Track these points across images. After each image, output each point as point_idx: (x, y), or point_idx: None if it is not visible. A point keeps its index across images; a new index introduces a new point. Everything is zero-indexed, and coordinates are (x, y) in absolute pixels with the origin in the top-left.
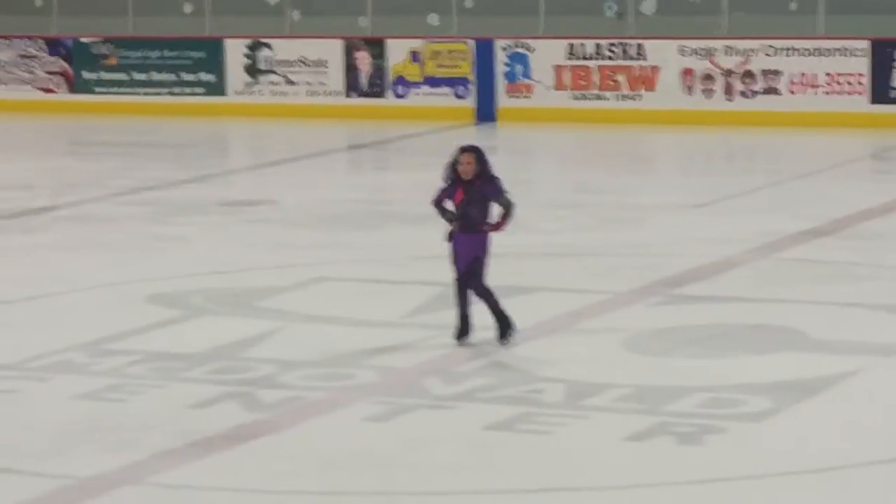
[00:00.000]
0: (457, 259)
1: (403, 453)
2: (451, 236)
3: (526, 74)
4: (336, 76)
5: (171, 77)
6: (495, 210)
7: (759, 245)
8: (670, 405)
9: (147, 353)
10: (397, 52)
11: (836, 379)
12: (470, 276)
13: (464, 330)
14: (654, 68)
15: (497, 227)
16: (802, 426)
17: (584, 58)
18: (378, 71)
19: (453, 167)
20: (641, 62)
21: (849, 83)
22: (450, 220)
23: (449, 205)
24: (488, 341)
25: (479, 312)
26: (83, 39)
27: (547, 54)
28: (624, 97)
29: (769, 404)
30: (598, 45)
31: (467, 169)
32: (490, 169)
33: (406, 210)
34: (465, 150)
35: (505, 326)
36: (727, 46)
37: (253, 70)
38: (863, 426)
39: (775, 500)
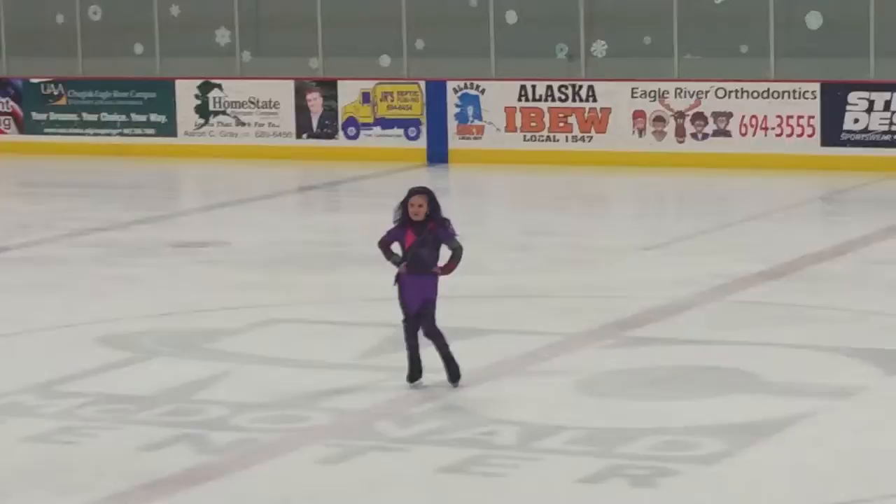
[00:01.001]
0: (406, 301)
1: (357, 496)
2: (399, 278)
3: (477, 116)
4: (287, 117)
5: (121, 118)
6: (444, 253)
7: (711, 287)
8: (623, 447)
9: (98, 395)
10: (349, 93)
11: (789, 421)
12: (422, 319)
13: (416, 372)
14: (606, 110)
15: (446, 269)
16: (755, 469)
17: (536, 99)
18: (329, 112)
19: (404, 209)
20: (592, 104)
21: (799, 125)
22: (395, 263)
23: (395, 247)
24: (440, 384)
25: (430, 354)
26: (33, 80)
27: (498, 96)
28: (575, 139)
29: (722, 446)
30: (549, 87)
31: (419, 211)
32: (441, 211)
33: (358, 252)
34: (417, 191)
35: (454, 370)
36: (678, 88)
37: (204, 111)
38: (814, 469)
39: None
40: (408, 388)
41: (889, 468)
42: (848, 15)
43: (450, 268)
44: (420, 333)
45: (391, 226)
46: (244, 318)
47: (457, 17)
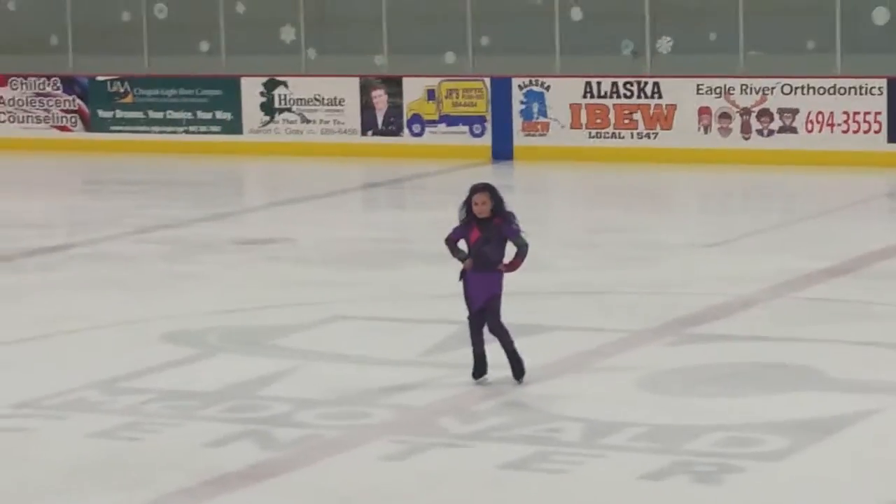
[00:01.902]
0: (471, 298)
1: (419, 492)
2: (463, 275)
3: (542, 112)
4: (352, 114)
5: (187, 115)
6: (509, 249)
7: (776, 284)
8: (687, 444)
9: (162, 391)
10: (413, 90)
11: (854, 418)
12: (487, 314)
13: (481, 369)
14: (671, 106)
15: (511, 266)
16: (820, 465)
17: (601, 96)
18: (394, 109)
19: (468, 206)
20: (658, 100)
21: (866, 121)
22: (461, 259)
23: (462, 244)
24: (504, 380)
25: (495, 351)
26: (99, 78)
27: (563, 92)
28: (640, 136)
29: (787, 443)
30: (614, 84)
31: (483, 208)
32: (505, 206)
33: (422, 248)
34: (480, 189)
35: (518, 366)
36: (744, 85)
37: (269, 108)
38: (878, 467)
39: None
40: (472, 385)
41: None
42: None
43: (515, 265)
44: (485, 330)
45: (456, 224)
46: (308, 314)
47: (522, 13)
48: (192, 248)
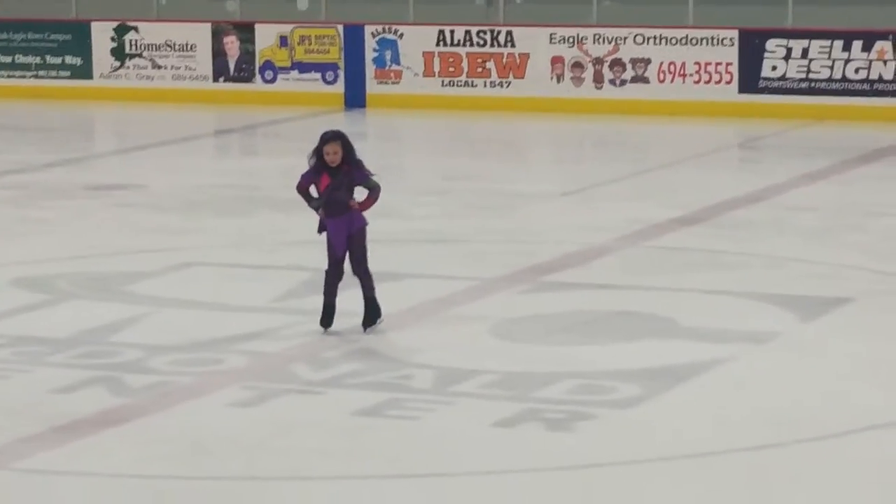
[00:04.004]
0: (333, 245)
1: (272, 438)
2: (322, 226)
3: (395, 60)
4: (204, 60)
5: (36, 60)
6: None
7: (628, 233)
8: (539, 392)
9: (12, 337)
10: (266, 36)
11: (705, 366)
12: (353, 256)
13: (329, 319)
14: (524, 56)
15: (364, 205)
16: (672, 413)
17: (454, 44)
18: (246, 56)
19: (318, 155)
20: (511, 49)
21: (717, 72)
22: (315, 208)
23: (313, 191)
24: (356, 328)
25: (348, 299)
26: None
27: (417, 41)
28: (493, 84)
29: (639, 391)
30: (467, 32)
31: (334, 158)
32: (355, 154)
33: (274, 195)
34: (331, 138)
35: (372, 314)
36: (596, 34)
37: (120, 54)
38: (730, 414)
39: (645, 486)
40: (324, 333)
41: (804, 413)
42: None
43: (367, 204)
44: (350, 272)
45: (305, 171)
46: (160, 261)
47: None
48: (42, 194)
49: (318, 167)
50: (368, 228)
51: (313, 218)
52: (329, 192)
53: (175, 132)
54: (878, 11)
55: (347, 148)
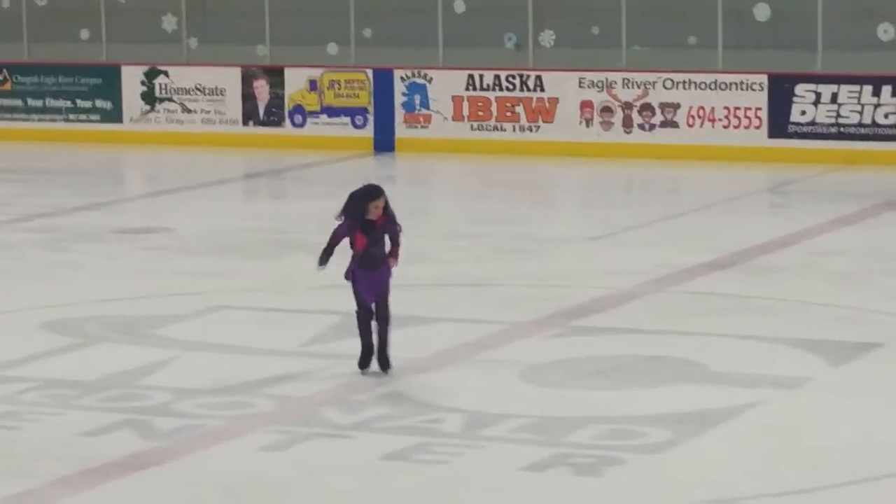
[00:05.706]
0: (362, 295)
1: (300, 482)
2: (352, 274)
3: (424, 105)
4: (233, 104)
5: (66, 104)
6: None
7: (658, 277)
8: (568, 436)
9: (41, 380)
10: (295, 81)
11: (735, 411)
12: (379, 305)
13: (368, 359)
14: (553, 100)
15: (396, 258)
16: (702, 458)
17: (483, 89)
18: (276, 100)
19: (360, 213)
20: (540, 93)
21: (747, 117)
22: (321, 261)
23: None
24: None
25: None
26: None
27: (446, 85)
28: (522, 129)
29: (667, 436)
30: (496, 77)
31: (378, 212)
32: (391, 208)
33: (303, 239)
34: (379, 193)
35: (385, 365)
36: (626, 79)
37: (150, 98)
38: (761, 458)
39: None
40: (353, 376)
41: (833, 458)
42: (795, 7)
43: (397, 256)
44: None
45: (341, 223)
46: (189, 304)
47: (404, 5)
48: (72, 237)
49: (353, 224)
50: (399, 273)
51: (342, 262)
52: (367, 248)
53: (204, 176)
54: None
55: (386, 201)
